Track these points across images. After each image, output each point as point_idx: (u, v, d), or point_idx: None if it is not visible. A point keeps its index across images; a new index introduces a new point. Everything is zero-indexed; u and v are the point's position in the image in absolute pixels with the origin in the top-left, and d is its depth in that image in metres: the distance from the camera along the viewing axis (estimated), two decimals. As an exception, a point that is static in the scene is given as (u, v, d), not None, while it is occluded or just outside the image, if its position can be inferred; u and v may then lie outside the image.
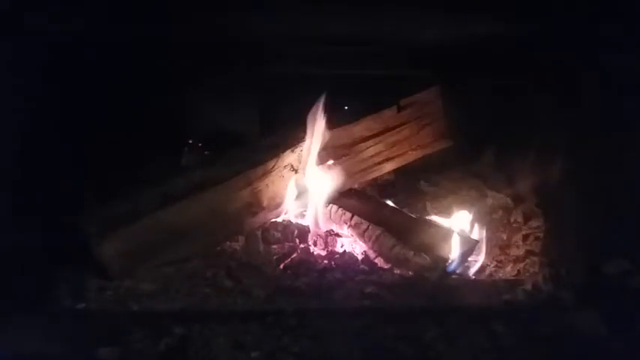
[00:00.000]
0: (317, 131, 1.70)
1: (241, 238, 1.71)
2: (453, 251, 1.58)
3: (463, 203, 1.84)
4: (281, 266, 1.61)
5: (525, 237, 1.73)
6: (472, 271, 1.64)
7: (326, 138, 1.71)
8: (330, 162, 1.76)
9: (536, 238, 1.71)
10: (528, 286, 1.53)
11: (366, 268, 1.61)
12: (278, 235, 1.71)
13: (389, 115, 1.82)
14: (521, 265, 1.64)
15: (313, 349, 1.30)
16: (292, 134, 1.73)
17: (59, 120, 1.62)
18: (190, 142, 2.05)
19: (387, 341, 1.33)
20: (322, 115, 1.69)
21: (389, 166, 1.88)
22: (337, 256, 1.67)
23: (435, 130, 1.90)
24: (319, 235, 1.76)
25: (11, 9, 1.40)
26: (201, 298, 1.46)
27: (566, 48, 1.52)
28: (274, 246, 1.69)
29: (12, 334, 1.32)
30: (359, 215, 1.73)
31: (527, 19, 1.55)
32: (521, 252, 1.69)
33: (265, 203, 1.69)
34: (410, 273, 1.58)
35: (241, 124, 2.02)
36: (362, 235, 1.71)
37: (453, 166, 2.09)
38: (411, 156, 1.89)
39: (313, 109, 1.69)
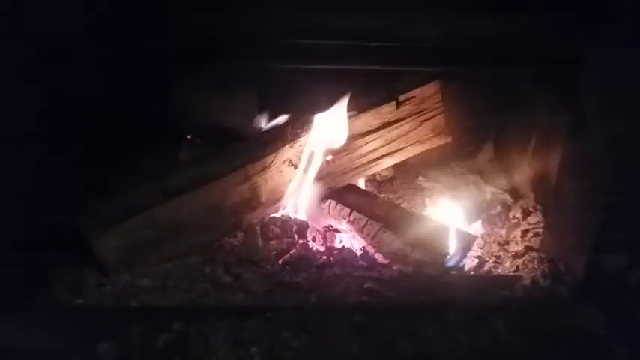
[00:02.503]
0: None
1: (240, 234, 1.71)
2: (452, 247, 1.58)
3: (462, 199, 1.83)
4: (280, 261, 1.60)
5: (524, 233, 1.73)
6: (470, 266, 1.64)
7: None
8: (329, 157, 1.75)
9: (535, 234, 1.71)
10: (527, 282, 1.53)
11: (364, 263, 1.61)
12: (277, 230, 1.71)
13: (388, 110, 1.81)
14: (520, 260, 1.64)
15: (312, 344, 1.30)
16: (291, 129, 1.72)
17: (57, 117, 1.61)
18: (189, 137, 2.04)
19: (385, 336, 1.33)
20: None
21: (388, 162, 1.87)
22: (336, 251, 1.67)
23: (434, 126, 1.89)
24: (318, 230, 1.76)
25: (10, 9, 1.39)
26: (200, 293, 1.46)
27: (566, 44, 1.51)
28: (273, 241, 1.69)
29: (10, 330, 1.32)
30: (358, 211, 1.73)
31: (526, 15, 1.54)
32: (520, 248, 1.69)
33: (264, 198, 1.68)
34: (409, 268, 1.58)
35: (240, 120, 2.01)
36: (361, 231, 1.71)
37: (452, 162, 2.09)
38: (410, 152, 1.88)
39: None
